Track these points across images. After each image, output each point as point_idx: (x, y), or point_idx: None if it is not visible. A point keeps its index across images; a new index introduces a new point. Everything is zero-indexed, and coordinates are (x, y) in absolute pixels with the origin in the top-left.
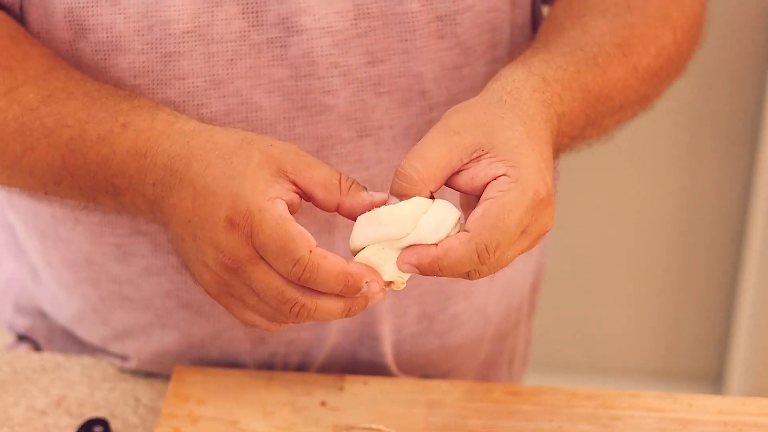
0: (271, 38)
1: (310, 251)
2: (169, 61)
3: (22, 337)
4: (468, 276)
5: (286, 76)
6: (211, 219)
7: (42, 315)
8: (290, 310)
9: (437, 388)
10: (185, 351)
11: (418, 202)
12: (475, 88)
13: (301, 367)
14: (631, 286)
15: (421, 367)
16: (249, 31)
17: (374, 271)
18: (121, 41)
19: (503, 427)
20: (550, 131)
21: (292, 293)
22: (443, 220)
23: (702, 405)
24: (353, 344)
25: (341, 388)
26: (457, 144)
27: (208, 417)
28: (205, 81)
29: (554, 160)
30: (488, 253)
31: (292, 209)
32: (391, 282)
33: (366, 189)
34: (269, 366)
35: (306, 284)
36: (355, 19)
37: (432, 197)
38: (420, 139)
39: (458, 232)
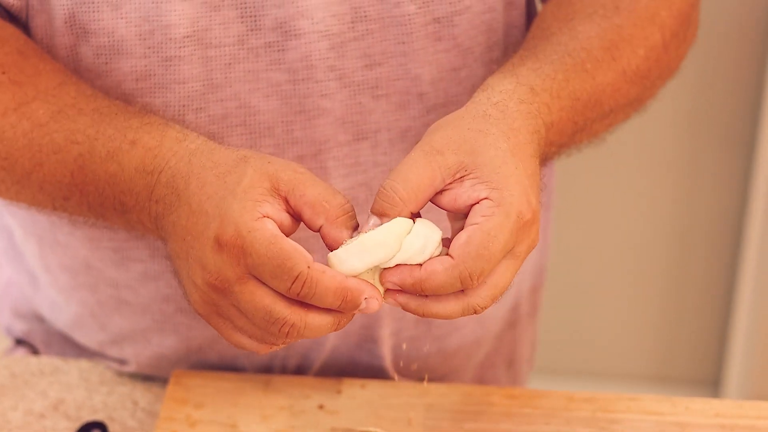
0: (269, 42)
1: (308, 267)
2: (170, 65)
3: (19, 342)
4: (476, 312)
5: (283, 79)
6: (201, 239)
7: (40, 319)
8: (279, 330)
9: (435, 391)
10: (183, 355)
11: (400, 223)
12: (473, 90)
13: (300, 371)
14: (628, 291)
15: (420, 370)
16: (247, 35)
17: (372, 286)
18: (123, 45)
19: (501, 430)
20: (537, 143)
21: (281, 313)
22: (427, 239)
23: (699, 408)
24: (351, 348)
25: (339, 392)
26: (440, 164)
27: (206, 421)
28: (204, 85)
29: (541, 170)
30: (471, 280)
31: (284, 229)
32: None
33: (356, 227)
34: (268, 370)
35: (305, 300)
36: (352, 23)
37: (412, 217)
38: (414, 144)
39: (439, 251)
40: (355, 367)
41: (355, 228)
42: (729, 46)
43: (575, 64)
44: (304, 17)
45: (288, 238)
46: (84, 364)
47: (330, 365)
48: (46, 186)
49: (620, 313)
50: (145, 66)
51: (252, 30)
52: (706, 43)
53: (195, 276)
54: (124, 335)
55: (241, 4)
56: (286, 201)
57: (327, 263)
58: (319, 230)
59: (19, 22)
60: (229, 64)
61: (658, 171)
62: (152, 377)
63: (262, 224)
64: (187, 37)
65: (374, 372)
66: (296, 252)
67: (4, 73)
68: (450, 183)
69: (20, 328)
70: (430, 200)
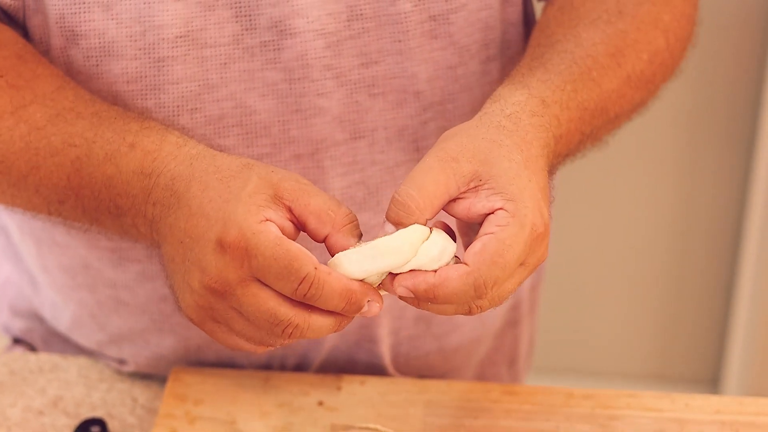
0: (265, 41)
1: (315, 268)
2: (163, 66)
3: (17, 341)
4: (469, 312)
5: (279, 79)
6: (201, 241)
7: (38, 318)
8: (282, 332)
9: (435, 388)
10: (182, 355)
11: (418, 230)
12: (470, 88)
13: (299, 370)
14: (628, 289)
15: (419, 369)
16: (242, 34)
17: (375, 290)
18: (114, 47)
19: (501, 427)
20: (547, 156)
21: (285, 314)
22: (445, 249)
23: (699, 405)
24: (351, 347)
25: (339, 388)
26: (455, 172)
27: (205, 417)
28: (199, 85)
29: (549, 182)
30: (485, 288)
31: (286, 236)
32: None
33: (360, 236)
34: (266, 369)
35: (310, 301)
36: (348, 21)
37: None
38: (420, 157)
39: (453, 262)
40: (354, 366)
41: (359, 237)
42: (728, 43)
43: (582, 72)
44: (300, 16)
45: (293, 241)
46: (83, 361)
47: (329, 364)
48: (41, 189)
49: (619, 311)
50: (137, 68)
51: (247, 29)
52: (705, 40)
53: (192, 279)
54: (122, 335)
55: (235, 3)
56: (290, 210)
57: (331, 264)
58: (324, 240)
59: (17, 23)
60: (225, 63)
61: (658, 169)
62: (151, 375)
63: (267, 227)
64: (180, 37)
65: (373, 371)
66: (303, 253)
67: (1, 76)
68: (464, 192)
69: (18, 326)
70: (443, 208)
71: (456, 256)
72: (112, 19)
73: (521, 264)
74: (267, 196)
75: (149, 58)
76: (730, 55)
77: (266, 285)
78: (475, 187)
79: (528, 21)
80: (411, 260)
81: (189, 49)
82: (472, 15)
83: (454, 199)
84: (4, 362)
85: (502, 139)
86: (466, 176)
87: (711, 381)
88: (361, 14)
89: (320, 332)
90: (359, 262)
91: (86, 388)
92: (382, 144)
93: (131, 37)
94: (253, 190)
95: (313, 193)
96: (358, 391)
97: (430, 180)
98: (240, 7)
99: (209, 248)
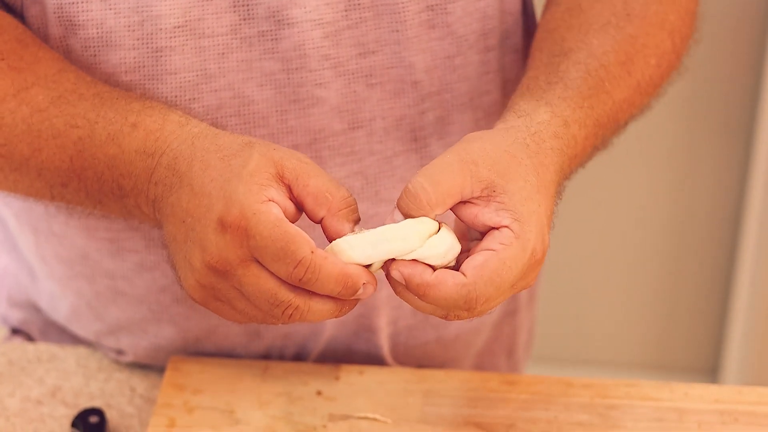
0: (262, 31)
1: (312, 252)
2: (161, 56)
3: (15, 331)
4: (445, 317)
5: (277, 69)
6: (203, 220)
7: (36, 309)
8: (282, 313)
9: (433, 377)
10: (180, 346)
11: (427, 222)
12: (468, 78)
13: (297, 360)
14: (627, 279)
15: (418, 359)
16: (240, 24)
17: (370, 274)
18: (112, 37)
19: (499, 416)
20: (558, 182)
21: (285, 295)
22: (451, 247)
23: (698, 394)
24: (349, 337)
25: (337, 378)
26: (473, 175)
27: (203, 407)
28: (197, 75)
29: (554, 208)
30: (476, 303)
31: (288, 216)
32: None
33: (358, 221)
34: (265, 359)
35: (306, 285)
36: (346, 11)
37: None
38: (434, 158)
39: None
40: (352, 355)
41: (357, 221)
42: (726, 39)
43: (597, 86)
44: (297, 6)
45: (292, 224)
46: (81, 351)
47: (327, 354)
48: (44, 172)
49: (618, 300)
50: (135, 58)
51: (245, 19)
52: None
53: (193, 258)
54: (120, 326)
55: None
56: (290, 189)
57: (334, 248)
58: (320, 222)
59: (15, 13)
60: (223, 53)
61: (657, 159)
62: (150, 365)
63: (268, 207)
64: (178, 27)
65: (372, 361)
66: (300, 236)
67: (3, 59)
68: (475, 197)
69: (16, 317)
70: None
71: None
72: (110, 9)
73: (511, 285)
74: (269, 174)
75: (147, 48)
76: (728, 50)
77: (266, 267)
78: (488, 196)
79: (527, 11)
80: (416, 250)
81: (187, 39)
82: (470, 5)
83: (463, 202)
84: (2, 352)
85: (523, 158)
86: (482, 182)
87: (710, 370)
88: (359, 4)
89: (321, 316)
90: (363, 247)
91: (84, 378)
92: (380, 134)
93: (129, 27)
94: (255, 169)
95: (314, 173)
96: (357, 380)
97: (447, 177)
98: None
99: (211, 227)
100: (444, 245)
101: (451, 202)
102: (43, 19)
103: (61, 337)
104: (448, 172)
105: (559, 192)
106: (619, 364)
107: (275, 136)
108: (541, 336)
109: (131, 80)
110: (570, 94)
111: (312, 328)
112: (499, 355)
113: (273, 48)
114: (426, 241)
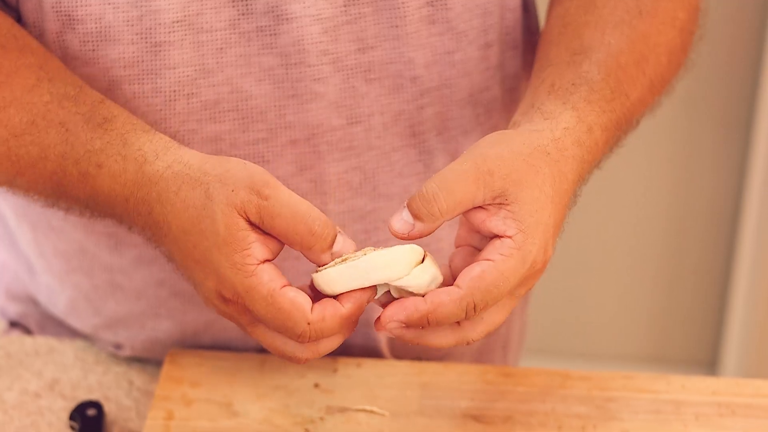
0: (261, 26)
1: (308, 323)
2: (159, 51)
3: (14, 324)
4: (467, 343)
5: (276, 64)
6: (204, 286)
7: (34, 302)
8: (296, 360)
9: (431, 370)
10: (178, 340)
11: (415, 251)
12: (467, 74)
13: None
14: (625, 271)
15: (415, 353)
16: (238, 19)
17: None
18: (111, 32)
19: (497, 408)
20: (574, 192)
21: (293, 351)
22: (435, 278)
23: (696, 386)
24: None
25: (335, 371)
26: (487, 185)
27: (201, 399)
28: (195, 70)
29: (566, 216)
30: (475, 311)
31: (275, 252)
32: None
33: (334, 238)
34: (263, 352)
35: (314, 341)
36: (345, 6)
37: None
38: (450, 162)
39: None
40: (350, 349)
41: (335, 237)
42: (725, 36)
43: (617, 88)
44: (296, 1)
45: (286, 290)
46: (79, 344)
47: None
48: (31, 191)
49: (616, 293)
50: (134, 52)
51: (243, 14)
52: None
53: (207, 298)
54: (118, 320)
55: None
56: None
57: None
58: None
59: (11, 7)
60: (221, 48)
61: (656, 154)
62: (148, 358)
63: (258, 280)
64: (177, 22)
65: (369, 354)
66: (294, 309)
67: None
68: (487, 204)
69: (14, 310)
70: None
71: None
72: (110, 4)
73: (511, 293)
74: (240, 230)
75: (146, 42)
76: (725, 49)
77: None
78: (499, 204)
79: (527, 7)
80: (403, 278)
81: (185, 34)
82: (470, 0)
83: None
84: (0, 345)
85: (542, 166)
86: (495, 192)
87: (708, 363)
88: None
89: (332, 349)
90: (352, 278)
91: (82, 371)
92: (378, 129)
93: (128, 21)
94: (226, 234)
95: (276, 211)
96: (355, 373)
97: (461, 187)
98: None
99: (213, 294)
100: (428, 275)
101: (460, 211)
102: (39, 14)
103: (59, 330)
104: (463, 181)
105: (574, 199)
106: (617, 357)
107: (273, 131)
108: (539, 329)
109: (129, 75)
110: (595, 97)
111: None
112: (494, 349)
113: (272, 43)
114: (411, 270)
